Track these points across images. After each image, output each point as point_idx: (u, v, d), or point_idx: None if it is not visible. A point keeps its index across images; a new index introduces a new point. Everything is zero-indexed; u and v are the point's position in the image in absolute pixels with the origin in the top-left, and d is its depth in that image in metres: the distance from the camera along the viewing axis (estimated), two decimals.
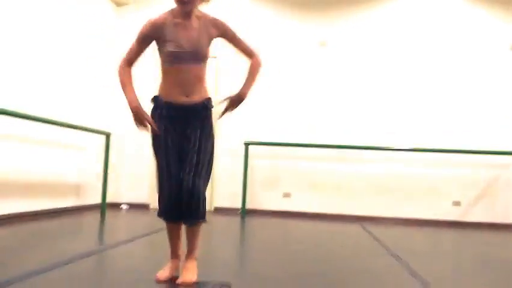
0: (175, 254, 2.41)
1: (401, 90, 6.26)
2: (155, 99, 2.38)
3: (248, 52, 2.48)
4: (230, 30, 2.42)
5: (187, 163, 2.27)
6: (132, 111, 2.28)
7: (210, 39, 2.37)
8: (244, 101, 2.45)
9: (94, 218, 5.00)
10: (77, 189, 5.56)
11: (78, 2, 5.45)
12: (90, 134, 5.33)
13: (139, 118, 2.30)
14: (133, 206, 6.36)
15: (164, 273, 2.31)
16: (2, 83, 4.11)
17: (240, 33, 2.44)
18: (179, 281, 2.21)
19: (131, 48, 2.34)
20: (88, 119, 5.54)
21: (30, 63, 4.55)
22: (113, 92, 6.20)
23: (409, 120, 6.21)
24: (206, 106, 2.38)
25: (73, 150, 5.37)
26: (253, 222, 5.36)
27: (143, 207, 6.37)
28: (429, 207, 6.07)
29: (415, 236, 4.68)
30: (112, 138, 5.51)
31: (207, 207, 2.43)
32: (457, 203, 6.06)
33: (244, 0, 6.49)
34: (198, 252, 2.35)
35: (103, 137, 5.53)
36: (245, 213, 6.00)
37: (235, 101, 2.44)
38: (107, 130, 5.43)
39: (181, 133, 2.33)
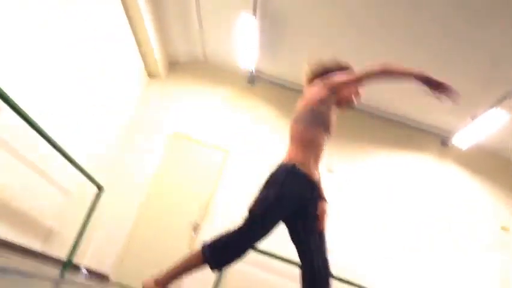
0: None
1: (393, 237, 6.30)
2: (293, 166, 2.38)
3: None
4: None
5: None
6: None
7: None
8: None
9: (50, 273, 4.48)
10: (47, 233, 5.20)
11: (113, 68, 5.68)
12: (83, 180, 5.15)
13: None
14: (91, 273, 5.90)
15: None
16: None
17: None
18: None
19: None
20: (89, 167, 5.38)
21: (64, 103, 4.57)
22: (121, 150, 6.19)
23: (391, 268, 6.14)
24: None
25: (60, 190, 5.14)
26: None
27: (102, 277, 5.91)
28: None
29: None
30: (103, 193, 5.30)
31: None
32: None
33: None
34: None
35: (93, 189, 5.33)
36: None
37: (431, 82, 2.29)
38: (101, 183, 5.25)
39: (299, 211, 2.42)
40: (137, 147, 6.54)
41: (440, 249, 6.25)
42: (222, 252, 2.27)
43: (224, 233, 2.32)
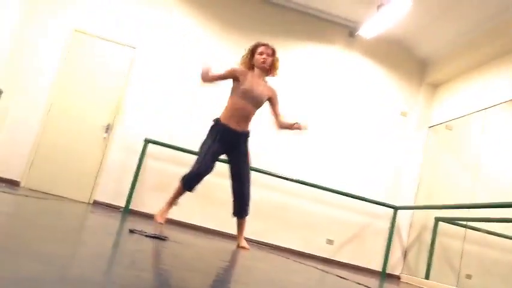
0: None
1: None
2: (216, 120, 3.77)
3: (279, 114, 3.94)
4: (277, 97, 3.93)
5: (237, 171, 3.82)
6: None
7: (266, 97, 3.83)
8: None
9: None
10: None
11: None
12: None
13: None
14: (1, 180, 5.69)
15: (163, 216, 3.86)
16: None
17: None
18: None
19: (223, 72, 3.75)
20: None
21: None
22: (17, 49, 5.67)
23: (301, 153, 6.53)
24: (247, 135, 3.81)
25: None
26: (131, 221, 5.02)
27: (12, 183, 5.73)
28: (304, 240, 6.34)
29: (285, 266, 4.70)
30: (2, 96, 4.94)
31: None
32: (330, 241, 6.43)
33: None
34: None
35: None
36: (128, 212, 5.71)
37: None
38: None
39: (229, 148, 3.76)
40: (35, 45, 6.02)
41: (345, 134, 6.71)
42: (189, 180, 3.73)
43: (190, 168, 3.72)
